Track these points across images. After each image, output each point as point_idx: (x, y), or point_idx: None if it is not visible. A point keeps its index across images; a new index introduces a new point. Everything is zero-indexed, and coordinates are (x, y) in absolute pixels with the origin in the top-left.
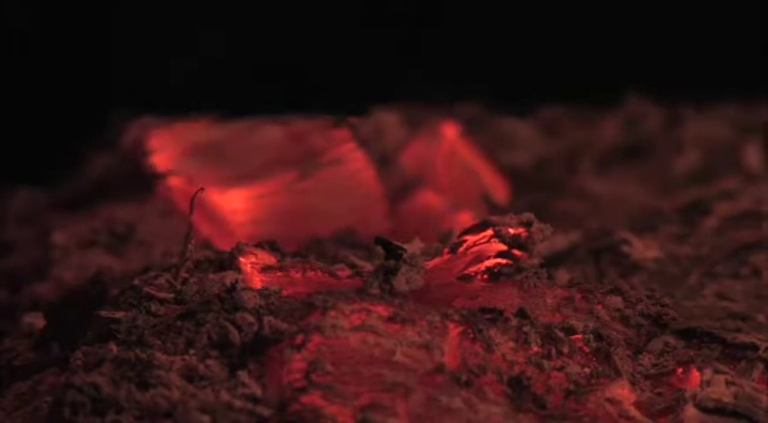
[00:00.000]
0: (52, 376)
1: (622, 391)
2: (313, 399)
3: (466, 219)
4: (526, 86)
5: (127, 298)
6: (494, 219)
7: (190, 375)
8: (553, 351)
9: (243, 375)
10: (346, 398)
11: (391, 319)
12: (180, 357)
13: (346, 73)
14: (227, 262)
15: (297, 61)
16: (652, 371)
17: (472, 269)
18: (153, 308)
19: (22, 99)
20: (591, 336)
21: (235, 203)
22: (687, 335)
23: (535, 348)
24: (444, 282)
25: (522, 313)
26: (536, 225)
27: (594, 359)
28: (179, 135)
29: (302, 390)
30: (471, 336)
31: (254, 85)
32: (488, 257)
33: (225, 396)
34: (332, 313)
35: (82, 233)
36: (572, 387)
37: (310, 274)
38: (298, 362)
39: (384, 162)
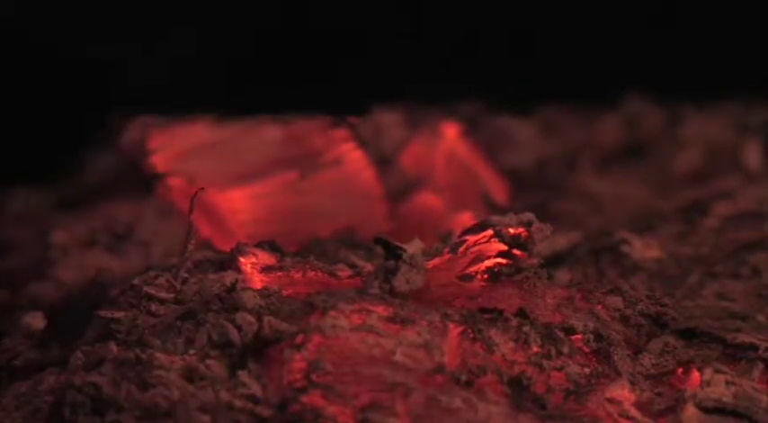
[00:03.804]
0: (52, 376)
1: (622, 391)
2: (313, 399)
3: (466, 219)
4: (526, 86)
5: (127, 298)
6: (494, 219)
7: (190, 375)
8: (553, 351)
9: (243, 375)
10: (346, 398)
11: (391, 319)
12: (180, 357)
13: (346, 73)
14: (227, 262)
15: (296, 61)
16: (652, 371)
17: (472, 269)
18: (153, 308)
19: (21, 99)
20: (591, 336)
21: (235, 203)
22: (687, 335)
23: (535, 348)
24: (444, 282)
25: (522, 313)
26: (536, 225)
27: (594, 359)
28: (179, 135)
29: (302, 390)
30: (471, 336)
31: (255, 85)
32: (488, 257)
33: (225, 396)
34: (332, 313)
35: (82, 233)
36: (572, 387)
37: (310, 274)
38: (298, 362)
39: (384, 162)
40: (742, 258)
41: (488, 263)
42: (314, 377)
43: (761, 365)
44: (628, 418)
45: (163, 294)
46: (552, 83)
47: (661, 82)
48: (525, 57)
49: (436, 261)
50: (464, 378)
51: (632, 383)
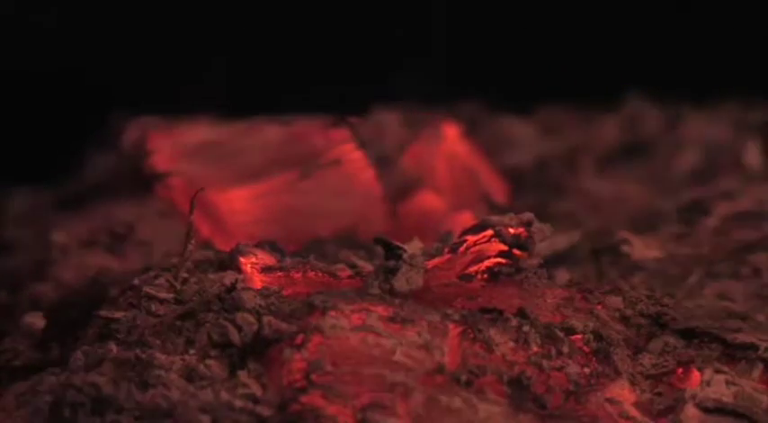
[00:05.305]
0: (52, 376)
1: (622, 391)
2: (313, 399)
3: (466, 219)
4: (526, 86)
5: (127, 298)
6: (494, 219)
7: (190, 375)
8: (553, 351)
9: (243, 375)
10: (346, 398)
11: (391, 319)
12: (180, 357)
13: (346, 73)
14: (227, 262)
15: (296, 61)
16: (652, 371)
17: (472, 269)
18: (153, 308)
19: (22, 99)
20: (591, 336)
21: (235, 203)
22: (687, 335)
23: (535, 348)
24: (444, 282)
25: (522, 313)
26: (536, 225)
27: (594, 359)
28: (179, 135)
29: (302, 390)
30: (471, 336)
31: (254, 85)
32: (488, 257)
33: (225, 396)
34: (332, 313)
35: (82, 233)
36: (572, 387)
37: (310, 274)
38: (298, 362)
39: (384, 162)
40: (742, 258)
41: (488, 263)
42: (314, 377)
43: (761, 365)
44: (628, 418)
45: (163, 294)
46: (552, 83)
47: (661, 82)
48: (525, 57)
49: (436, 261)
50: (464, 378)
51: (632, 383)
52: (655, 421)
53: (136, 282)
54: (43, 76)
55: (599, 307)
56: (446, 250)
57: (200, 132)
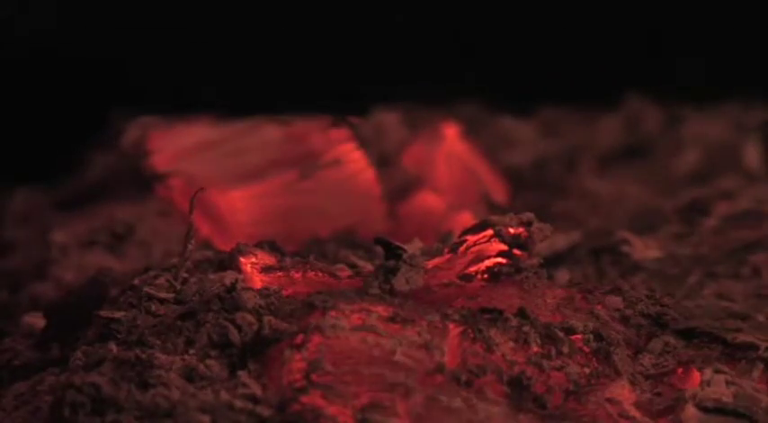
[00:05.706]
0: (52, 376)
1: (622, 391)
2: (313, 399)
3: (466, 219)
4: (526, 86)
5: (127, 298)
6: (494, 219)
7: (190, 375)
8: (553, 351)
9: (243, 375)
10: (346, 398)
11: (391, 319)
12: (180, 357)
13: (346, 73)
14: (227, 262)
15: (296, 61)
16: (652, 371)
17: (472, 269)
18: (153, 308)
19: (22, 99)
20: (591, 336)
21: (235, 203)
22: (687, 335)
23: (535, 348)
24: (444, 282)
25: (522, 313)
26: (536, 225)
27: (594, 359)
28: (179, 135)
29: (302, 390)
30: (471, 336)
31: (255, 85)
32: (488, 257)
33: (225, 396)
34: (332, 313)
35: (82, 233)
36: (572, 387)
37: (310, 274)
38: (298, 362)
39: (384, 162)
40: (742, 258)
41: (488, 263)
42: (314, 377)
43: (761, 365)
44: (628, 418)
45: (163, 294)
46: (552, 83)
47: (661, 82)
48: (525, 57)
49: (436, 261)
50: (464, 378)
51: (632, 383)
52: (655, 421)
53: (136, 282)
54: (44, 76)
55: (599, 307)
56: (446, 250)
57: (200, 132)
